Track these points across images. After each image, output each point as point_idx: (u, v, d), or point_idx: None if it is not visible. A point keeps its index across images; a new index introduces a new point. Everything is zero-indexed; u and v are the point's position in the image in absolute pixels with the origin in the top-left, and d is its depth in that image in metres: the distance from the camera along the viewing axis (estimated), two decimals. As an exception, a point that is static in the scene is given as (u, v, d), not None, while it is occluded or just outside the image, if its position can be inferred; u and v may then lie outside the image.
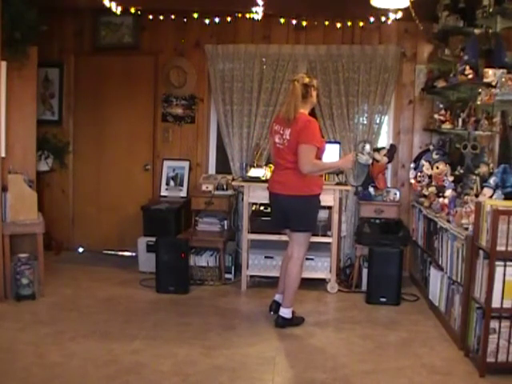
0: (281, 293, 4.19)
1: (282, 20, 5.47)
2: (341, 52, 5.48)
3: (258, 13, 4.83)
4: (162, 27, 5.72)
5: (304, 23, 5.47)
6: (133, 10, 5.38)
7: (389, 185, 5.57)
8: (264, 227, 4.92)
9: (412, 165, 5.21)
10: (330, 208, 4.98)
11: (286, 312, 4.04)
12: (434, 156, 4.96)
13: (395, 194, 5.35)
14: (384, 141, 5.69)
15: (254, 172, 5.13)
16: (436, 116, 4.96)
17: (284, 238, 4.44)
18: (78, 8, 5.69)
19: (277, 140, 4.03)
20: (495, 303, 3.22)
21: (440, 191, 4.65)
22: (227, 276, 5.23)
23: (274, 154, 4.11)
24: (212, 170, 5.98)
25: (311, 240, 5.00)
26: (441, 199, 4.46)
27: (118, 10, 4.93)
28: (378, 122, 5.53)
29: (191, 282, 4.96)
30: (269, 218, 4.62)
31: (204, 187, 5.47)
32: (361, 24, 5.46)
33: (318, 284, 5.03)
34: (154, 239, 5.00)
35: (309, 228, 4.11)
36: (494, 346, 3.26)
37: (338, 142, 5.35)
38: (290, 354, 3.60)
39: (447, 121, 4.73)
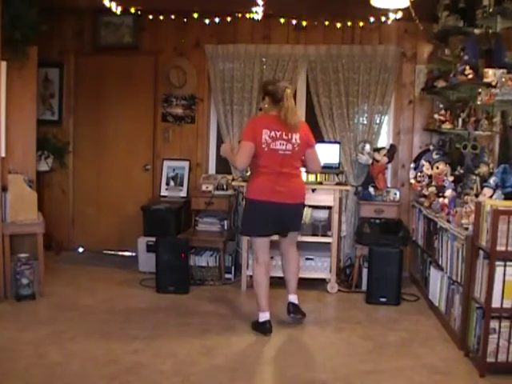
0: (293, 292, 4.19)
1: (282, 20, 5.47)
2: (341, 52, 5.48)
3: (258, 13, 4.84)
4: (162, 27, 5.72)
5: (304, 23, 5.48)
6: (133, 10, 5.40)
7: (389, 185, 5.57)
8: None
9: (412, 165, 5.21)
10: (330, 208, 4.98)
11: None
12: (434, 156, 4.95)
13: (395, 193, 5.35)
14: (384, 141, 5.69)
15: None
16: (436, 116, 4.96)
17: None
18: (78, 8, 5.70)
19: (279, 146, 3.81)
20: (495, 303, 3.22)
21: (440, 191, 4.65)
22: (227, 276, 5.23)
23: (271, 162, 3.82)
24: (212, 170, 5.98)
25: (311, 240, 5.04)
26: (441, 199, 4.46)
27: (118, 10, 4.94)
28: (378, 122, 5.53)
29: (191, 282, 4.96)
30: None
31: (204, 187, 5.47)
32: (361, 24, 5.46)
33: (318, 284, 5.03)
34: (154, 239, 4.99)
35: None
36: (494, 346, 3.26)
37: (338, 142, 5.36)
38: (290, 354, 3.60)
39: (447, 121, 4.73)
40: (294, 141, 3.86)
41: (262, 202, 3.87)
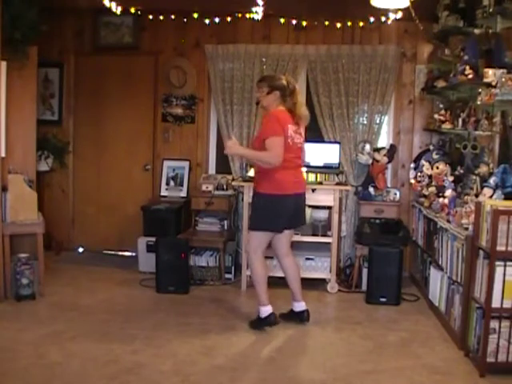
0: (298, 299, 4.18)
1: (282, 20, 5.47)
2: (341, 52, 5.48)
3: (258, 13, 4.84)
4: (162, 27, 5.72)
5: (304, 23, 5.48)
6: (133, 10, 5.40)
7: (389, 185, 5.57)
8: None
9: (412, 165, 5.21)
10: (330, 208, 4.98)
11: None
12: (434, 156, 4.96)
13: (395, 194, 5.35)
14: (384, 141, 5.69)
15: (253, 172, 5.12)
16: (436, 116, 4.96)
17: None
18: (78, 8, 5.70)
19: (297, 140, 3.95)
20: (495, 303, 3.22)
21: (440, 191, 4.65)
22: (227, 276, 5.23)
23: (293, 155, 3.91)
24: (212, 170, 5.98)
25: (311, 240, 5.04)
26: (441, 199, 4.46)
27: (118, 10, 4.94)
28: (378, 122, 5.53)
29: (191, 282, 4.96)
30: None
31: (204, 187, 5.48)
32: (361, 24, 5.46)
33: (318, 284, 5.03)
34: (154, 239, 4.99)
35: None
36: (494, 346, 3.26)
37: (338, 142, 5.36)
38: (290, 354, 3.60)
39: (447, 121, 4.73)
40: (303, 134, 4.04)
41: (287, 195, 3.90)
